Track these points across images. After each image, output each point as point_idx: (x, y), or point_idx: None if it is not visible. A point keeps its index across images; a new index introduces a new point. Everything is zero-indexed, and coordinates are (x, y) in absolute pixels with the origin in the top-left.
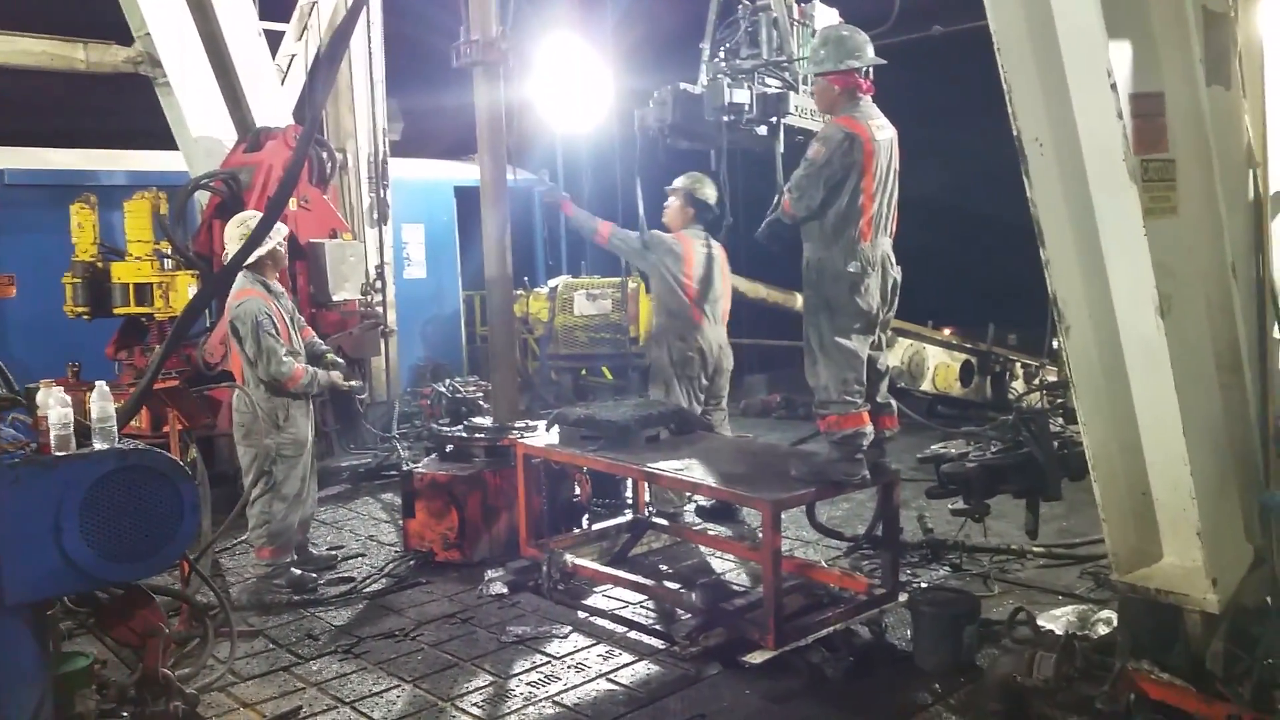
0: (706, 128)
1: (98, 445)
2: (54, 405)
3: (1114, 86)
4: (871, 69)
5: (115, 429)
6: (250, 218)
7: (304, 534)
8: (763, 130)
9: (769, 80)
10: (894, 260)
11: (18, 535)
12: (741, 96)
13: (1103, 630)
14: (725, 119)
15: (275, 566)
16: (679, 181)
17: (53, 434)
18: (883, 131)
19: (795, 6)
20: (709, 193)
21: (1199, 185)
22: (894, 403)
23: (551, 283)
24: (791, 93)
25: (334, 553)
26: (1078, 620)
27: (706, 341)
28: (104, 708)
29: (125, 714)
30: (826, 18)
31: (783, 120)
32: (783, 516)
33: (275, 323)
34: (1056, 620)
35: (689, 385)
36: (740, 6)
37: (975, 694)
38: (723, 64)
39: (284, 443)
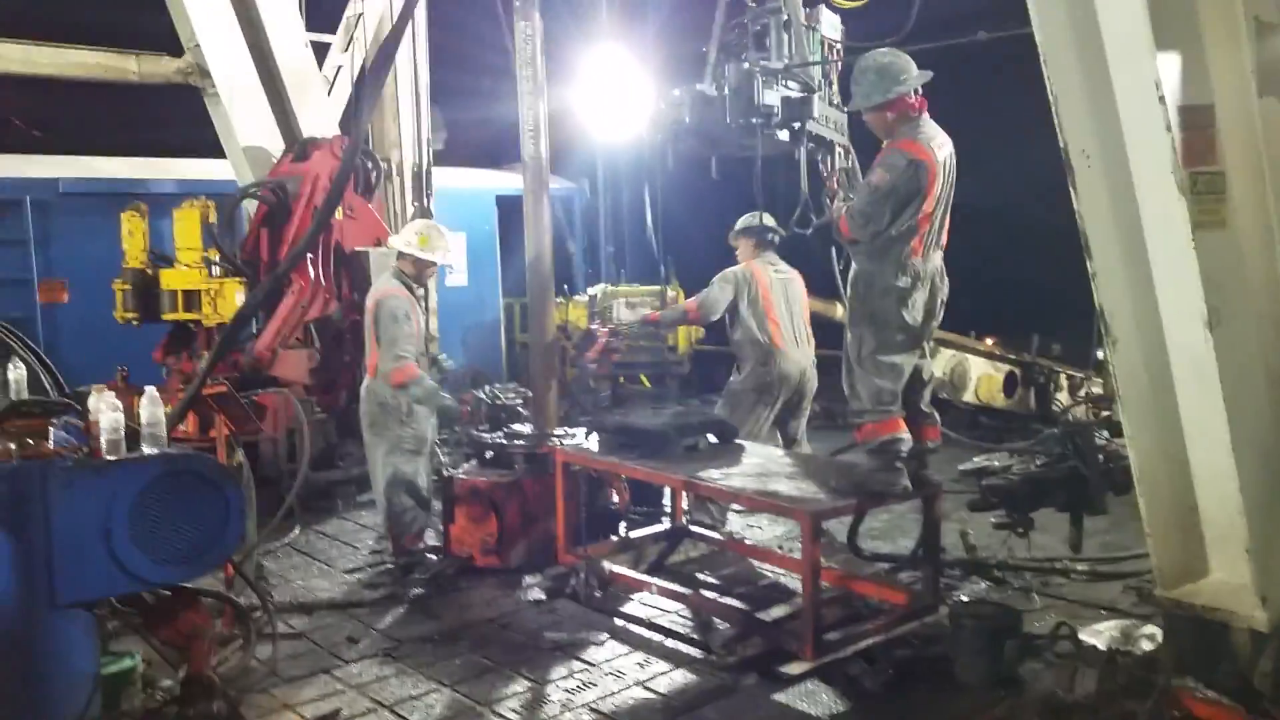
0: (723, 131)
1: (147, 450)
2: (105, 410)
3: (1162, 99)
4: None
5: (165, 433)
6: (422, 225)
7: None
8: (784, 135)
9: (790, 84)
10: (944, 274)
11: (69, 537)
12: (771, 99)
13: (1146, 646)
14: (755, 121)
15: (414, 554)
16: (737, 225)
17: (104, 438)
18: (943, 150)
19: (802, 10)
20: (764, 218)
21: (1250, 198)
22: (937, 414)
23: (591, 291)
24: (815, 97)
25: (431, 555)
26: (1121, 635)
27: (792, 364)
28: (149, 706)
29: (170, 713)
30: (830, 22)
31: (805, 125)
32: (824, 526)
33: (410, 319)
34: (1099, 635)
35: (767, 409)
36: (748, 9)
37: (1016, 709)
38: (754, 65)
39: (405, 437)
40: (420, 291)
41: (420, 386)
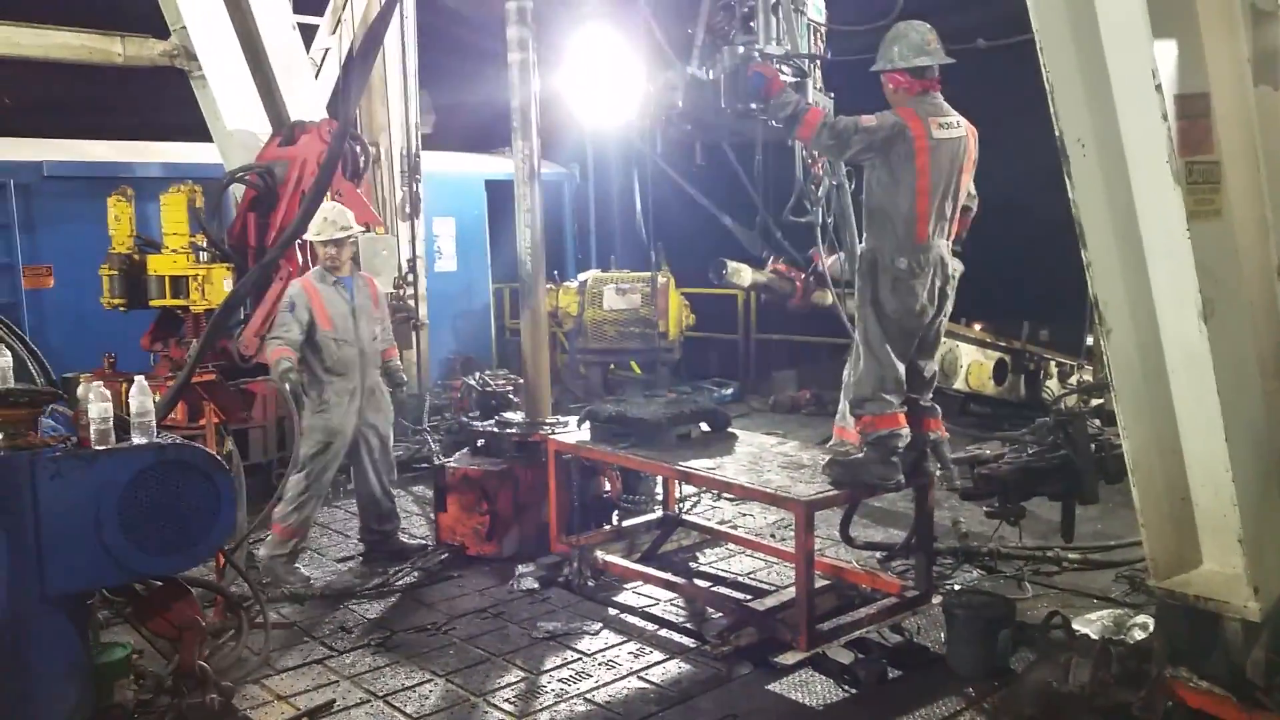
0: (716, 116)
1: (136, 439)
2: (94, 400)
3: (1159, 87)
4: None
5: (154, 423)
6: (330, 211)
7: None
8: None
9: (784, 68)
10: (945, 264)
11: (58, 528)
12: None
13: (1139, 635)
14: (754, 106)
15: (281, 547)
16: None
17: (93, 428)
18: (947, 130)
19: None
20: None
21: (1245, 187)
22: (938, 408)
23: (581, 276)
24: (809, 82)
25: (423, 543)
26: (1113, 625)
27: None
28: (141, 698)
29: (162, 704)
30: (815, 4)
31: None
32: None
33: (305, 307)
34: (1091, 624)
35: None
36: None
37: (1009, 698)
38: (750, 49)
39: (314, 426)
40: (334, 280)
41: (276, 369)
